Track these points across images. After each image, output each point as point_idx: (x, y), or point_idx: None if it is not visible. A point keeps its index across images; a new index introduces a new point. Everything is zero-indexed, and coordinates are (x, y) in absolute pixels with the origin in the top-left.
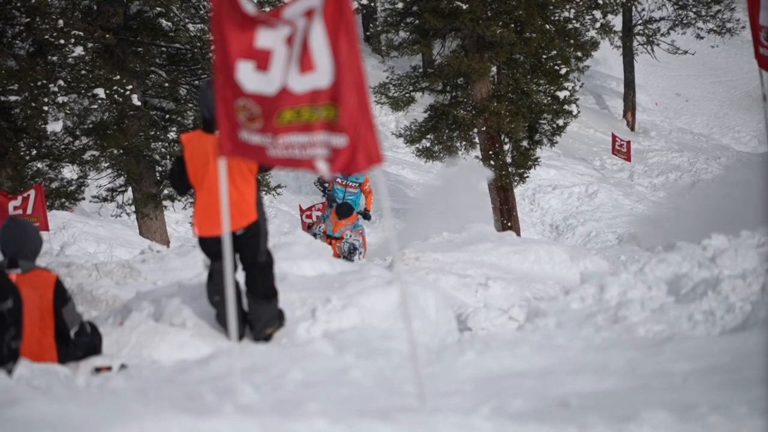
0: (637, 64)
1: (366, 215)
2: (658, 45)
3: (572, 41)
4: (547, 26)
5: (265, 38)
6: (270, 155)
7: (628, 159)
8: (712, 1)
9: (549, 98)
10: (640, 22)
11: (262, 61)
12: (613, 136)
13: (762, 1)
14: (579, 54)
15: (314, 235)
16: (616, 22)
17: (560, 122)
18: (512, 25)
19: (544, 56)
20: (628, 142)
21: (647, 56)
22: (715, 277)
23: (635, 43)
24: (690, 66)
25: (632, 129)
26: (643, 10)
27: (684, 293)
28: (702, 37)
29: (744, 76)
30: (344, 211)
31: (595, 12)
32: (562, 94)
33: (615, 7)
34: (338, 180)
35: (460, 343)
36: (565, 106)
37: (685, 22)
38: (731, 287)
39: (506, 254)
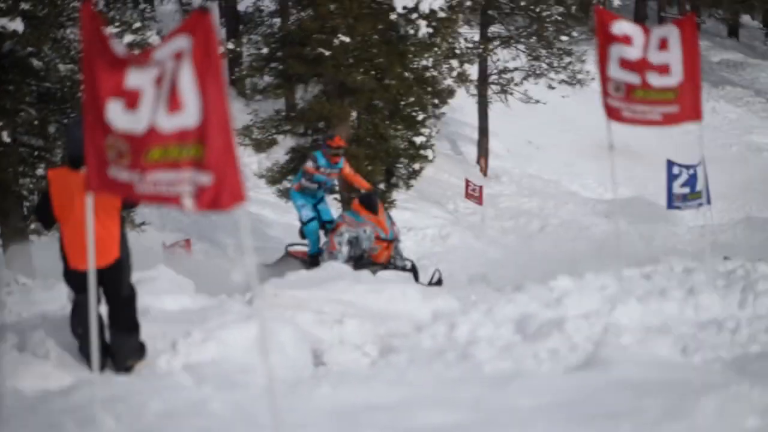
0: (491, 112)
1: (369, 192)
2: (511, 94)
3: (430, 89)
4: (406, 74)
5: (135, 78)
6: (138, 192)
7: (480, 203)
8: (563, 53)
9: (406, 143)
10: (495, 71)
11: (132, 100)
12: (467, 181)
13: (610, 54)
14: (436, 101)
15: (351, 242)
16: (472, 71)
17: (416, 166)
18: (373, 72)
19: (403, 102)
20: (481, 187)
21: (501, 104)
22: (561, 317)
23: (490, 92)
24: (541, 115)
25: (485, 174)
26: (498, 60)
27: (530, 332)
28: (554, 88)
29: (592, 125)
30: (374, 201)
31: (452, 61)
32: (418, 140)
33: (471, 57)
34: (322, 169)
35: (316, 377)
36: (422, 151)
37: (538, 72)
38: (575, 327)
39: (362, 292)
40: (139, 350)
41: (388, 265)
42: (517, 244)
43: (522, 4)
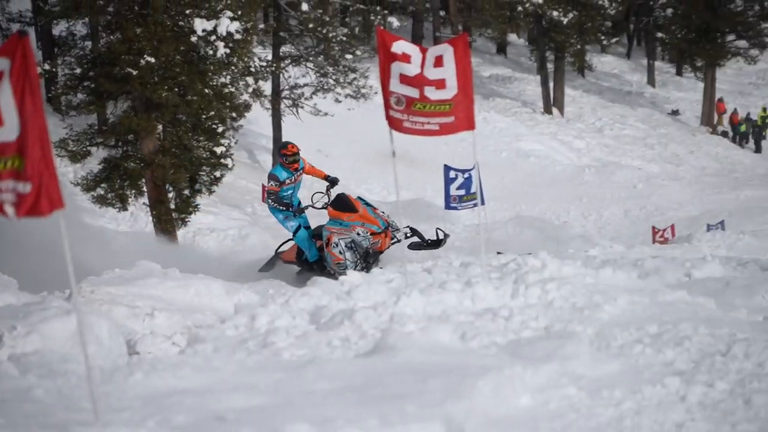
0: (285, 124)
1: (332, 181)
2: (302, 107)
3: (228, 103)
4: (207, 90)
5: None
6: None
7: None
8: (348, 70)
9: (208, 153)
10: (287, 87)
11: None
12: (263, 186)
13: (391, 71)
14: (234, 115)
15: (350, 246)
16: (266, 87)
17: (217, 174)
18: (176, 89)
19: (204, 116)
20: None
21: (293, 117)
22: (351, 308)
23: (282, 106)
24: (330, 126)
25: None
26: (290, 77)
27: (324, 322)
28: (340, 101)
29: (376, 135)
30: (345, 201)
31: (248, 78)
32: (219, 150)
33: (265, 75)
34: (288, 180)
35: (130, 365)
36: (222, 160)
37: (326, 88)
38: (364, 317)
39: (170, 288)
40: None
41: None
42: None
43: (310, 26)
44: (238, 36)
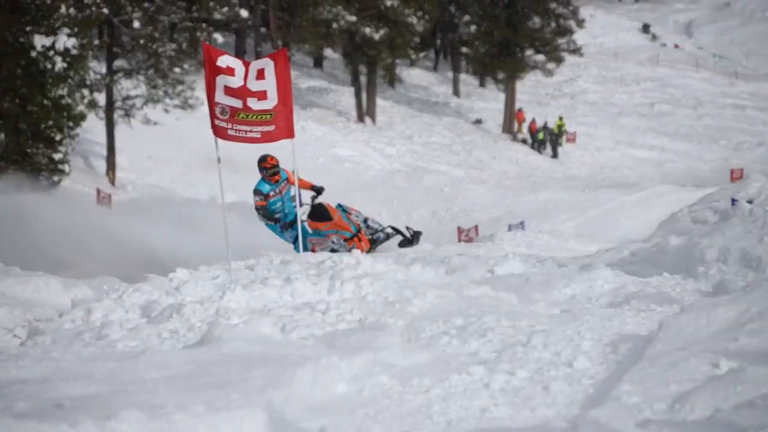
0: (118, 133)
1: (317, 190)
2: (134, 117)
3: (66, 114)
4: (46, 101)
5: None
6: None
7: (111, 208)
8: (177, 82)
9: (47, 159)
10: (119, 99)
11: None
12: (98, 190)
13: (217, 83)
14: (71, 124)
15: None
16: (101, 98)
17: (56, 178)
18: (17, 101)
19: (43, 125)
20: (110, 194)
21: (125, 126)
22: (179, 302)
23: (116, 116)
24: (160, 134)
25: (113, 184)
26: (123, 89)
27: (154, 316)
28: (169, 111)
29: (203, 142)
30: (321, 211)
31: (84, 90)
32: (57, 156)
33: (100, 87)
34: (272, 193)
35: None
36: (60, 166)
37: (155, 99)
38: (192, 311)
39: (11, 284)
40: None
41: (373, 245)
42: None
43: (141, 42)
44: (75, 51)
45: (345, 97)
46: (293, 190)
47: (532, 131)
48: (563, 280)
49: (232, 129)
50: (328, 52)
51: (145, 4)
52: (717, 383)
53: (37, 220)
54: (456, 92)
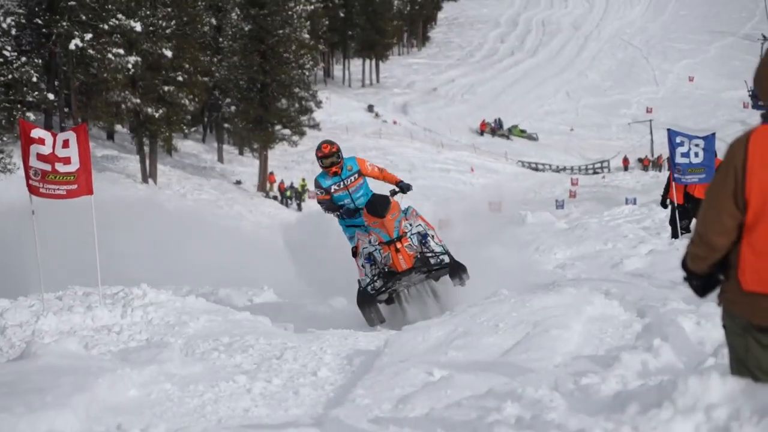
0: None
1: (403, 187)
2: None
3: None
4: None
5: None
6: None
7: None
8: None
9: None
10: None
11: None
12: None
13: (30, 151)
14: None
15: (369, 259)
16: None
17: None
18: None
19: None
20: None
21: None
22: (2, 325)
23: None
24: None
25: None
26: None
27: None
28: None
29: (18, 198)
30: (380, 203)
31: None
32: None
33: None
34: (334, 188)
35: None
36: None
37: None
38: (13, 332)
39: None
40: None
41: (414, 268)
42: None
43: None
44: None
45: (132, 162)
46: (365, 185)
47: (281, 190)
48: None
49: (43, 187)
50: (118, 127)
51: None
52: (431, 388)
53: None
54: (220, 159)
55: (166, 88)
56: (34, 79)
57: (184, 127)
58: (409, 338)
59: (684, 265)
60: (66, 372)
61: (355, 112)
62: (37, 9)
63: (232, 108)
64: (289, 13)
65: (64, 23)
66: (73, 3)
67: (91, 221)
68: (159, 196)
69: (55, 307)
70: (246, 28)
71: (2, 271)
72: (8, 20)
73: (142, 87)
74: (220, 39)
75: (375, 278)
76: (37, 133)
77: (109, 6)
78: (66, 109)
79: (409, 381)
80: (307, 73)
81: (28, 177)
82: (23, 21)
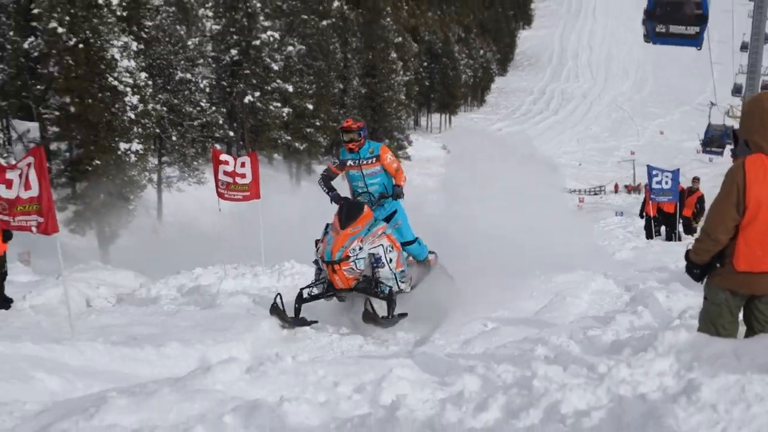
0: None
1: (397, 192)
2: (171, 187)
3: (135, 184)
4: (126, 178)
5: (10, 174)
6: (11, 224)
7: None
8: (194, 169)
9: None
10: (164, 177)
11: (9, 184)
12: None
13: (219, 169)
14: (138, 190)
15: (318, 270)
16: (154, 176)
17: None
18: (110, 177)
19: (124, 190)
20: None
21: (166, 191)
22: (197, 285)
23: (162, 186)
24: (189, 198)
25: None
26: (166, 173)
27: (185, 292)
28: (190, 185)
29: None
30: (351, 210)
31: (145, 172)
32: (131, 207)
33: (154, 171)
34: (349, 163)
35: (88, 312)
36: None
37: (183, 178)
38: (205, 289)
39: (107, 274)
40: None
41: (353, 288)
42: None
43: (176, 147)
44: (141, 151)
45: (285, 179)
46: (382, 174)
47: None
48: None
49: (227, 194)
50: (276, 155)
51: (179, 127)
52: (486, 335)
53: None
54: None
55: (308, 130)
56: (221, 122)
57: (320, 156)
58: (470, 301)
59: (687, 259)
60: (239, 317)
61: (433, 149)
62: (223, 75)
63: None
64: (392, 82)
65: (241, 85)
66: (248, 72)
67: (258, 216)
68: None
69: (232, 273)
70: (362, 91)
71: (202, 248)
72: (204, 82)
73: (292, 129)
74: (345, 98)
75: (316, 283)
76: (224, 157)
77: (272, 75)
78: (241, 142)
79: (470, 330)
80: (402, 122)
81: (217, 187)
82: (214, 83)
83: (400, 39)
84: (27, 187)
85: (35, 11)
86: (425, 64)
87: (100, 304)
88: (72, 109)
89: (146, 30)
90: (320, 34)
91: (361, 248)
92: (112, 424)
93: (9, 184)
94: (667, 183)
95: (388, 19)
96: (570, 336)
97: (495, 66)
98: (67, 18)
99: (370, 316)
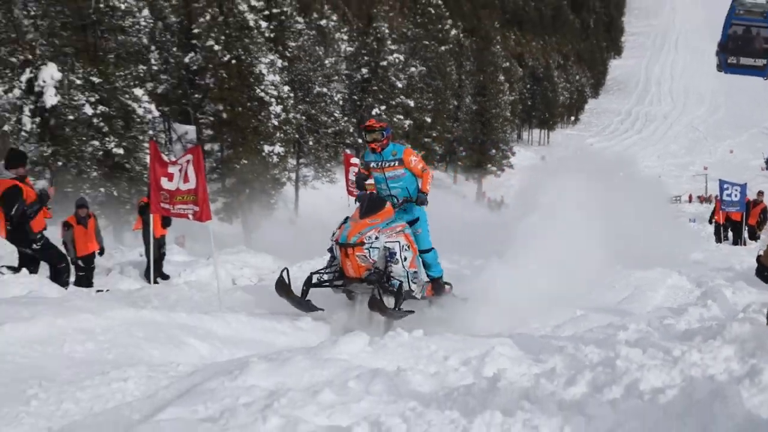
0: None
1: (420, 198)
2: (305, 185)
3: (276, 183)
4: (269, 176)
5: (172, 168)
6: (171, 212)
7: None
8: (327, 170)
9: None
10: (302, 177)
11: (171, 177)
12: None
13: (349, 170)
14: (279, 187)
15: (332, 250)
16: (293, 176)
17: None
18: (255, 174)
19: (266, 186)
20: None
21: (303, 189)
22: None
23: (300, 184)
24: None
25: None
26: (303, 173)
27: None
28: (323, 183)
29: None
30: (373, 202)
31: (284, 172)
32: (272, 201)
33: (292, 170)
34: (372, 164)
35: (233, 289)
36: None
37: (317, 177)
38: None
39: (250, 257)
40: None
41: (363, 279)
42: None
43: (312, 151)
44: (282, 154)
45: None
46: (405, 178)
47: (488, 200)
48: None
49: (356, 191)
50: None
51: (315, 134)
52: (575, 320)
53: None
54: (454, 181)
55: (426, 140)
56: (351, 130)
57: (435, 163)
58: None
59: (759, 262)
60: None
61: (533, 160)
62: (354, 90)
63: (463, 153)
64: (499, 100)
65: (370, 99)
66: (375, 88)
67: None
68: None
69: None
70: (474, 108)
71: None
72: (338, 96)
73: (412, 138)
74: (458, 113)
75: (327, 270)
76: (354, 160)
77: (396, 91)
78: None
79: (561, 315)
80: (507, 135)
81: (347, 185)
82: (346, 97)
83: (508, 64)
84: (185, 180)
85: (195, 31)
86: (528, 86)
87: (244, 282)
88: (224, 115)
89: (290, 50)
90: (439, 57)
91: (377, 238)
92: (252, 385)
93: (170, 177)
94: (736, 195)
95: (498, 47)
96: (648, 324)
97: (588, 89)
98: (223, 37)
99: (376, 304)
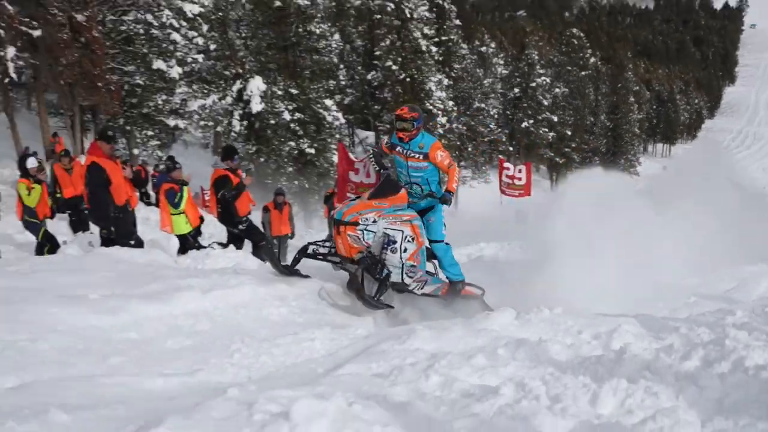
0: None
1: (445, 197)
2: None
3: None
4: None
5: (357, 165)
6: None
7: None
8: None
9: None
10: None
11: (357, 171)
12: None
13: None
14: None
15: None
16: None
17: None
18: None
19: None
20: None
21: None
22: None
23: None
24: None
25: None
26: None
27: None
28: None
29: None
30: (387, 185)
31: None
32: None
33: None
34: (398, 148)
35: None
36: None
37: None
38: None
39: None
40: None
41: (353, 260)
42: None
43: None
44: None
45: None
46: (428, 170)
47: None
48: None
49: (507, 191)
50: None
51: (473, 142)
52: (689, 305)
53: None
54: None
55: (566, 149)
56: (503, 140)
57: (573, 169)
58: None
59: None
60: None
61: (656, 169)
62: (507, 106)
63: (597, 162)
64: (629, 118)
65: (520, 114)
66: (525, 105)
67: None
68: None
69: (506, 248)
70: (608, 124)
71: (485, 229)
72: (494, 111)
73: (554, 148)
74: (594, 128)
75: (324, 243)
76: (506, 164)
77: (542, 108)
78: (518, 155)
79: (677, 301)
80: (635, 148)
81: (500, 186)
82: (501, 111)
83: (637, 88)
84: (367, 175)
85: (377, 53)
86: (654, 107)
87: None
88: None
89: (455, 71)
90: (579, 81)
91: (375, 221)
92: (417, 348)
93: (356, 172)
94: None
95: (629, 73)
96: (752, 310)
97: (705, 111)
98: (399, 59)
99: (354, 286)
